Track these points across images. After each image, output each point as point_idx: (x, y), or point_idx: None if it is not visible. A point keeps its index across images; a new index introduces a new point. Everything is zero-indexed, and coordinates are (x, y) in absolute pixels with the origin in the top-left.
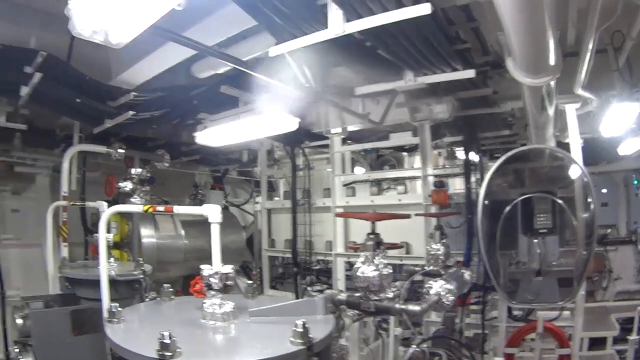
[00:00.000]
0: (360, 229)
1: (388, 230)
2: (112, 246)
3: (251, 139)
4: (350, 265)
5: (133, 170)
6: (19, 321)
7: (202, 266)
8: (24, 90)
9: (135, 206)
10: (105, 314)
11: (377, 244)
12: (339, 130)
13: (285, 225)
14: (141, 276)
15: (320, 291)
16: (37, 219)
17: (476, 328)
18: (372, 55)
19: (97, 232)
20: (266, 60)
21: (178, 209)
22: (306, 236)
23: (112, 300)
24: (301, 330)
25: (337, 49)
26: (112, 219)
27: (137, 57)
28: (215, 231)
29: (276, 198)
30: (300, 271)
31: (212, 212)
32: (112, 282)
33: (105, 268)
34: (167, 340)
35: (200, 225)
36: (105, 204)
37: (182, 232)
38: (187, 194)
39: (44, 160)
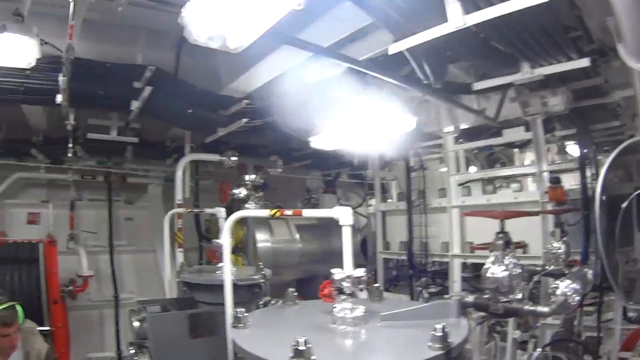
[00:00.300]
0: (477, 230)
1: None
2: None
3: (366, 141)
4: (465, 267)
5: (247, 177)
6: (136, 324)
7: (333, 270)
8: (135, 104)
9: (262, 211)
10: (230, 319)
11: (507, 243)
12: (452, 128)
13: (399, 227)
14: (262, 280)
15: (435, 293)
16: (149, 226)
17: (590, 331)
18: (485, 48)
19: (212, 238)
20: (379, 59)
21: (307, 213)
22: (422, 237)
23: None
24: (440, 334)
25: (453, 43)
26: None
27: (248, 65)
28: (346, 234)
29: (389, 200)
30: (415, 273)
31: (343, 214)
32: (232, 287)
33: (230, 273)
34: (302, 347)
35: (314, 229)
36: (223, 210)
37: (297, 236)
38: (298, 198)
39: (156, 170)
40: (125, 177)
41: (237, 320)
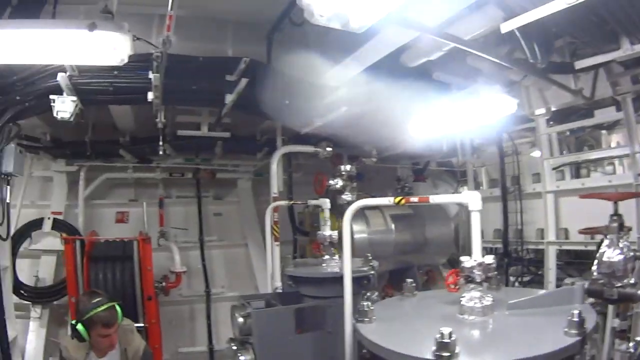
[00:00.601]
0: (571, 215)
1: (595, 214)
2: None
3: (468, 127)
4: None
5: (342, 167)
6: (240, 320)
7: (462, 258)
8: (229, 98)
9: (384, 199)
10: (349, 313)
11: (621, 226)
12: (543, 110)
13: (492, 215)
14: (372, 272)
15: (528, 282)
16: (239, 221)
17: None
18: (585, 23)
19: (305, 231)
20: (479, 40)
21: (434, 199)
22: (517, 225)
23: (336, 297)
24: (577, 319)
25: (558, 19)
26: (323, 216)
27: (346, 53)
28: (476, 219)
29: (481, 187)
30: (510, 261)
31: (472, 199)
32: (337, 279)
33: (350, 265)
34: (446, 340)
35: (408, 219)
36: (327, 200)
37: (392, 226)
38: (387, 187)
39: (245, 165)
40: (215, 173)
41: (362, 314)
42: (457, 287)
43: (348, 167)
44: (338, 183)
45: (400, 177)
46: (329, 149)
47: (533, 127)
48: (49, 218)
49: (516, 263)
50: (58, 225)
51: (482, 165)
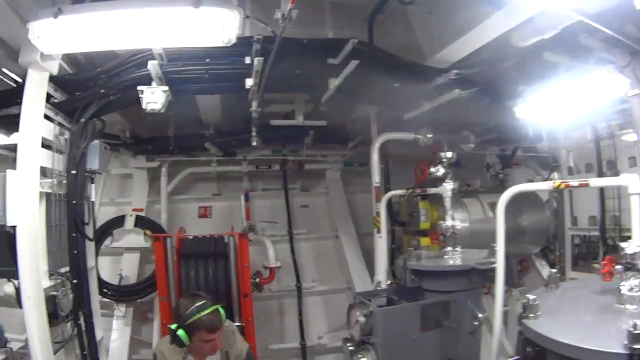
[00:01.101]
0: None
1: None
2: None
3: (577, 110)
4: None
5: (442, 155)
6: (362, 319)
7: (622, 244)
8: (334, 82)
9: (544, 183)
10: (499, 306)
11: None
12: (637, 91)
13: (586, 201)
14: None
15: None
16: (327, 212)
17: None
18: None
19: (403, 221)
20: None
21: (594, 182)
22: (614, 211)
23: (461, 291)
24: None
25: None
26: (421, 206)
27: (457, 34)
28: (636, 203)
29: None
30: (607, 250)
31: (632, 182)
32: (464, 272)
33: (503, 255)
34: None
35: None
36: (449, 189)
37: (491, 214)
38: (476, 174)
39: (333, 155)
40: (303, 164)
41: (529, 309)
42: (612, 276)
43: (449, 154)
44: (439, 170)
45: (489, 163)
46: (429, 135)
47: (623, 108)
48: (130, 215)
49: (613, 251)
50: (141, 222)
51: (569, 150)
